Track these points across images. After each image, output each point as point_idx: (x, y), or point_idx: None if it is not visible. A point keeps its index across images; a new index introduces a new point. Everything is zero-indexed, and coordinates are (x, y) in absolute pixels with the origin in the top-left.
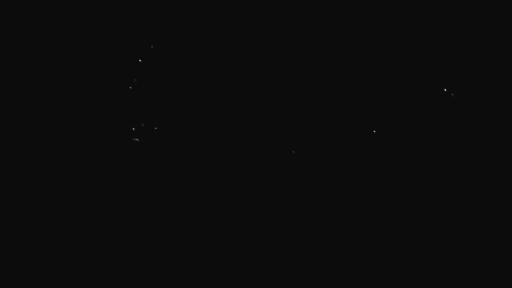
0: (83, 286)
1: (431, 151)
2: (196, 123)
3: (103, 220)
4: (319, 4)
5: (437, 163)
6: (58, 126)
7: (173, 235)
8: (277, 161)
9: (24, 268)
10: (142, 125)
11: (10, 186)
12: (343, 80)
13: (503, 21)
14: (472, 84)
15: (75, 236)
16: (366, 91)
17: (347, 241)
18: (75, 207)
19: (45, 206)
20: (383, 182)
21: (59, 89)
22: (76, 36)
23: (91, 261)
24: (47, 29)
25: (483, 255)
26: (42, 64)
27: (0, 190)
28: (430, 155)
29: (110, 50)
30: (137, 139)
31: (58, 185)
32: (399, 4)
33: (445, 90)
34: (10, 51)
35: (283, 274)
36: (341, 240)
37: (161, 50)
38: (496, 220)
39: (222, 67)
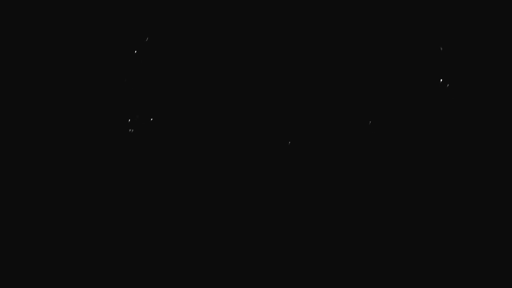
0: (76, 286)
1: (430, 143)
2: (193, 114)
3: (98, 213)
4: None
5: (436, 155)
6: (51, 118)
7: (169, 228)
8: (274, 152)
9: (17, 268)
10: (137, 116)
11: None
12: (338, 71)
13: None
14: (470, 75)
15: (67, 231)
16: (363, 81)
17: (347, 237)
18: (69, 201)
19: (39, 199)
20: (381, 176)
21: (52, 81)
22: (70, 28)
23: (84, 257)
24: (37, 22)
25: (483, 255)
26: (34, 57)
27: None
28: (429, 147)
29: (104, 40)
30: (132, 130)
31: (51, 178)
32: None
33: (441, 80)
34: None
35: (280, 271)
36: (341, 236)
37: (156, 40)
38: (497, 219)
39: (218, 57)
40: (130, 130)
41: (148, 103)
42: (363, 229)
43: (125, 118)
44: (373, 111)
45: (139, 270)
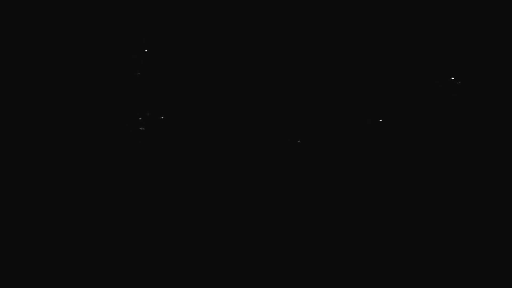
0: (82, 285)
1: (440, 143)
2: (203, 113)
3: (109, 208)
4: None
5: (444, 155)
6: (64, 117)
7: (177, 224)
8: (283, 150)
9: (23, 268)
10: (148, 114)
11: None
12: (350, 67)
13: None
14: (480, 73)
15: (77, 228)
16: (374, 81)
17: (353, 237)
18: (81, 197)
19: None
20: (389, 176)
21: (67, 81)
22: (87, 30)
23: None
24: (60, 24)
25: (483, 255)
26: (56, 60)
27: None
28: (438, 146)
29: (117, 41)
30: (142, 128)
31: (65, 173)
32: None
33: (452, 78)
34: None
35: (287, 273)
36: (347, 236)
37: (167, 41)
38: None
39: (229, 57)
40: (140, 128)
41: (158, 101)
42: (369, 228)
43: (136, 116)
44: (380, 110)
45: (153, 268)
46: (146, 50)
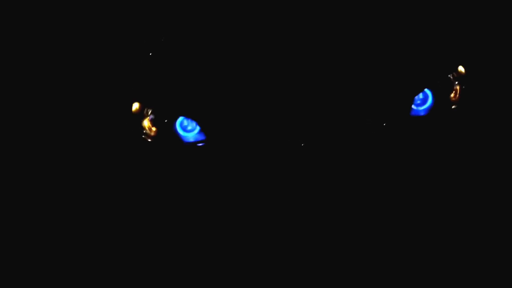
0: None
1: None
2: (205, 114)
3: (108, 211)
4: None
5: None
6: (64, 117)
7: (180, 228)
8: (286, 154)
9: (24, 268)
10: (152, 116)
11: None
12: (351, 68)
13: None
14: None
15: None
16: (375, 81)
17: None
18: (79, 199)
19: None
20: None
21: (67, 81)
22: (87, 29)
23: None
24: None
25: (483, 255)
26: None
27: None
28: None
29: (118, 41)
30: (145, 130)
31: (65, 175)
32: None
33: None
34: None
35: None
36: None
37: (169, 41)
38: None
39: (231, 58)
40: (143, 130)
41: (163, 104)
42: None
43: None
44: (381, 110)
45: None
46: (147, 50)
